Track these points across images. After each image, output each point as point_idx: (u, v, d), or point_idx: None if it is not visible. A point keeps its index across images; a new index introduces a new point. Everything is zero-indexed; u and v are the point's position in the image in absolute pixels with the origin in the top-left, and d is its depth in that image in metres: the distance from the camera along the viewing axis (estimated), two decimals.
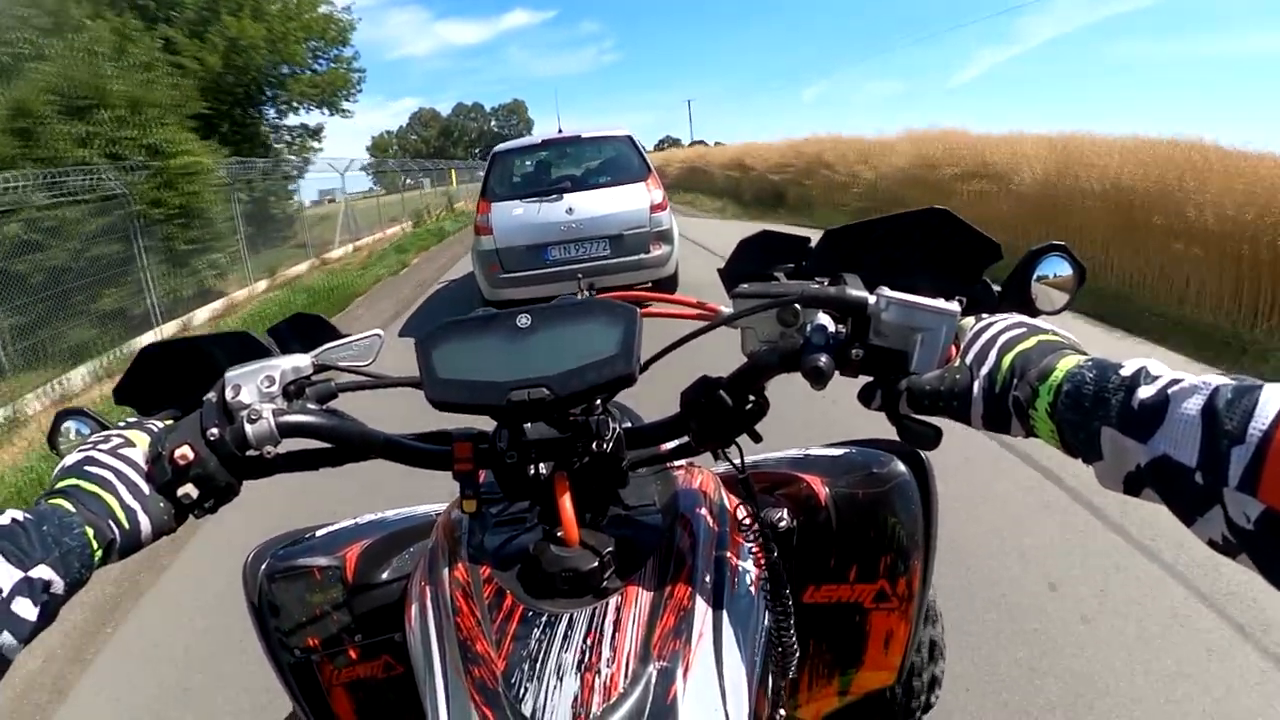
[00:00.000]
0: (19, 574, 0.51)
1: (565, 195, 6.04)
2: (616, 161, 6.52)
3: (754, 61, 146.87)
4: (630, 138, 6.58)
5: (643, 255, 5.96)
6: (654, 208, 6.00)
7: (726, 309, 0.72)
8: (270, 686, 0.85)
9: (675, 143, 65.23)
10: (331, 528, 0.96)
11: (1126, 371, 0.49)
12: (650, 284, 6.14)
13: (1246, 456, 0.41)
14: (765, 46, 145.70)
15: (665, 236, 6.05)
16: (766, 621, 0.72)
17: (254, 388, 0.67)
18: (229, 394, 0.66)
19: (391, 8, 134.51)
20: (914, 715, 1.11)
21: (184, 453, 0.62)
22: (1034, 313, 0.67)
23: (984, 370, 0.57)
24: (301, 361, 0.71)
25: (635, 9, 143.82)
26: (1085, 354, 0.55)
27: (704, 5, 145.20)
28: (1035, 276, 0.67)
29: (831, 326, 0.62)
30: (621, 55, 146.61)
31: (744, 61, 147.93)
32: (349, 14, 16.95)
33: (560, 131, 6.86)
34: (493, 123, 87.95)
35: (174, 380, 0.76)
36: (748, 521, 0.73)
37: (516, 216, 5.98)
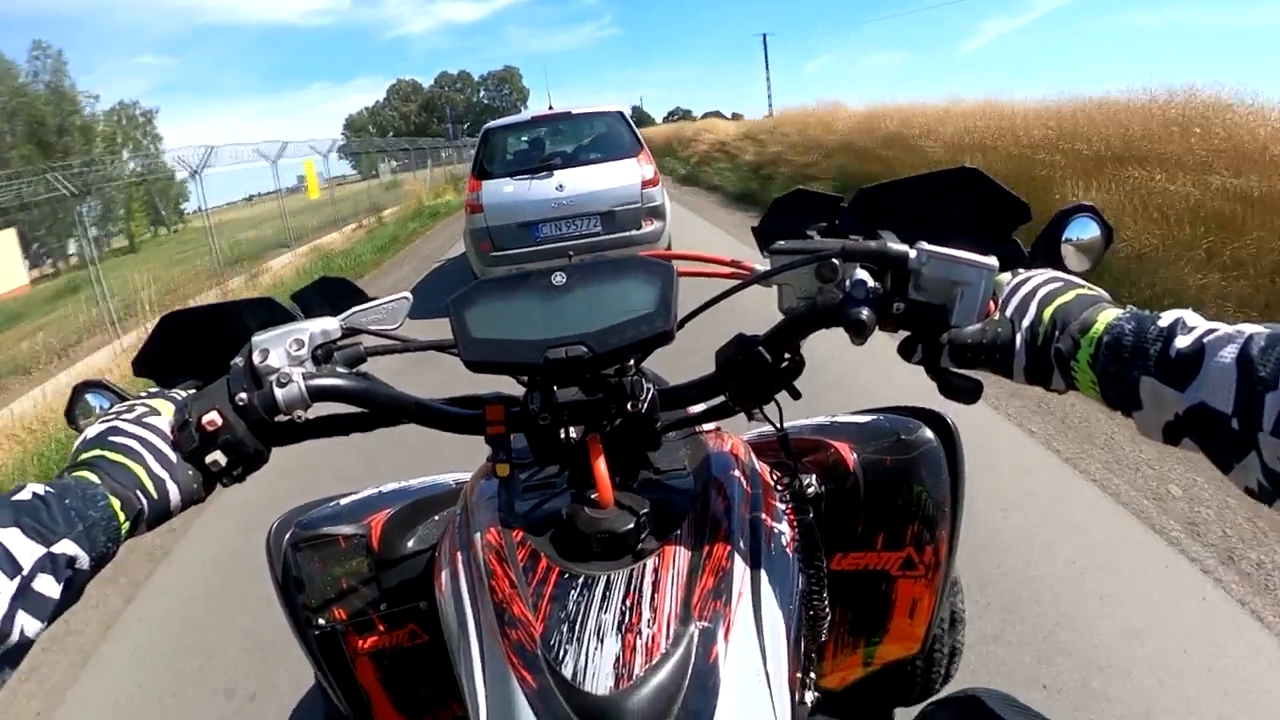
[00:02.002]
0: (41, 550, 0.49)
1: (556, 172, 5.99)
2: (608, 137, 6.47)
3: (753, 34, 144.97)
4: (621, 113, 6.53)
5: (634, 231, 5.93)
6: (645, 183, 5.95)
7: (760, 266, 0.71)
8: None
9: (686, 114, 62.91)
10: (355, 496, 0.95)
11: (1164, 322, 0.50)
12: None
13: None
14: (764, 19, 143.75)
15: (657, 212, 6.02)
16: (801, 583, 0.72)
17: (282, 351, 0.66)
18: (256, 358, 0.65)
19: None
20: (934, 686, 1.12)
21: (212, 418, 0.61)
22: (1063, 272, 0.67)
23: (1025, 323, 0.57)
24: (330, 324, 0.70)
25: None
26: (1122, 307, 0.55)
27: None
28: (1064, 237, 0.67)
29: (871, 281, 0.62)
30: (620, 30, 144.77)
31: (743, 34, 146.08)
32: None
33: (551, 108, 6.79)
34: (481, 94, 80.00)
35: (195, 349, 0.74)
36: (780, 484, 0.73)
37: (507, 194, 5.93)
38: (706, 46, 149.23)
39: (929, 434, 0.91)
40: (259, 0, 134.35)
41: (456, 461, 1.05)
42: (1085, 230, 0.67)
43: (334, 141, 16.50)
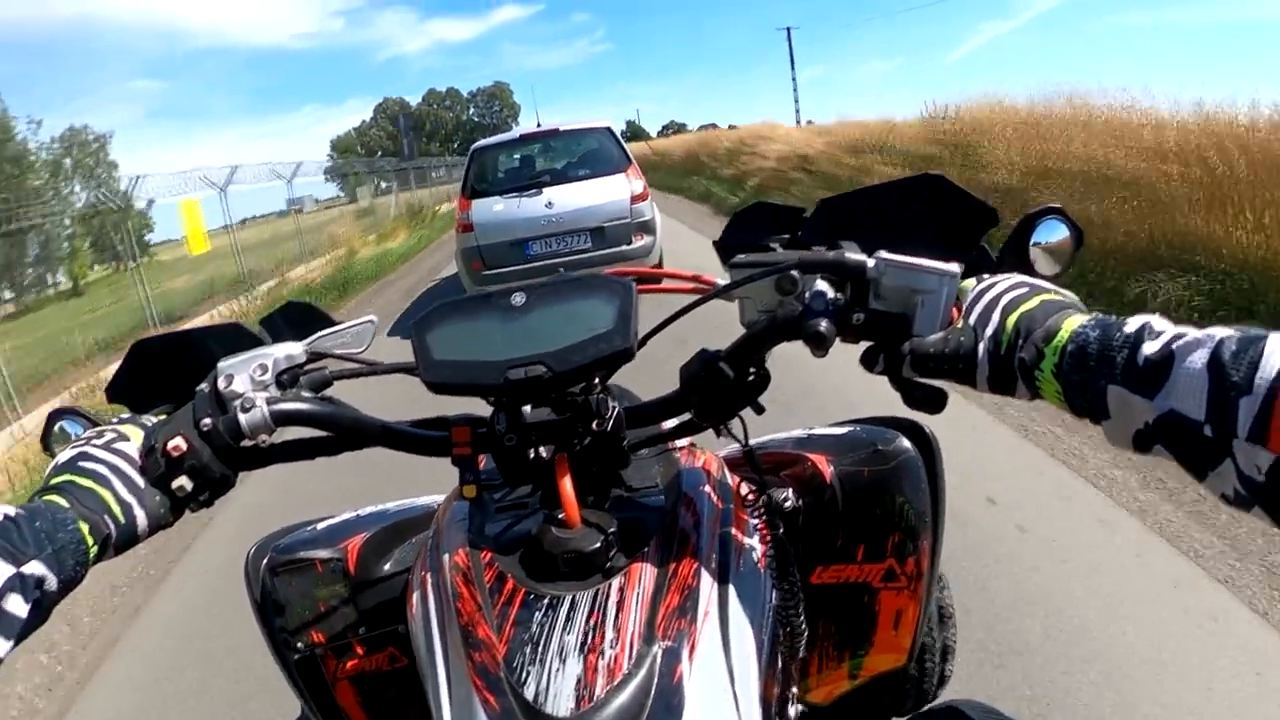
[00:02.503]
0: (11, 569, 0.50)
1: (545, 189, 6.02)
2: (596, 154, 6.50)
3: (747, 46, 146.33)
4: (609, 129, 6.57)
5: (624, 247, 5.94)
6: (634, 198, 5.98)
7: (721, 280, 0.71)
8: None
9: (681, 128, 62.26)
10: (333, 520, 0.95)
11: (1130, 328, 0.49)
12: None
13: (1255, 407, 0.41)
14: (758, 30, 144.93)
15: (647, 227, 6.04)
16: (774, 600, 0.71)
17: (246, 377, 0.66)
18: (221, 384, 0.65)
19: (381, 8, 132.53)
20: (928, 693, 1.10)
21: (177, 444, 0.61)
22: (1032, 277, 0.67)
23: (988, 331, 0.56)
24: (294, 349, 0.70)
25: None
26: (1088, 313, 0.54)
27: None
28: (1032, 241, 0.67)
29: (831, 292, 0.61)
30: (613, 45, 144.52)
31: (737, 45, 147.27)
32: None
33: (539, 125, 6.83)
34: (471, 110, 75.79)
35: (166, 376, 0.75)
36: (752, 498, 0.73)
37: (497, 213, 5.96)
38: (699, 60, 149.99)
39: (906, 444, 0.90)
40: (249, 23, 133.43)
41: (445, 474, 1.05)
42: (1054, 233, 0.67)
43: (298, 165, 14.47)
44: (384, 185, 24.21)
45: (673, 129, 64.25)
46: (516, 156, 6.93)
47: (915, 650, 0.95)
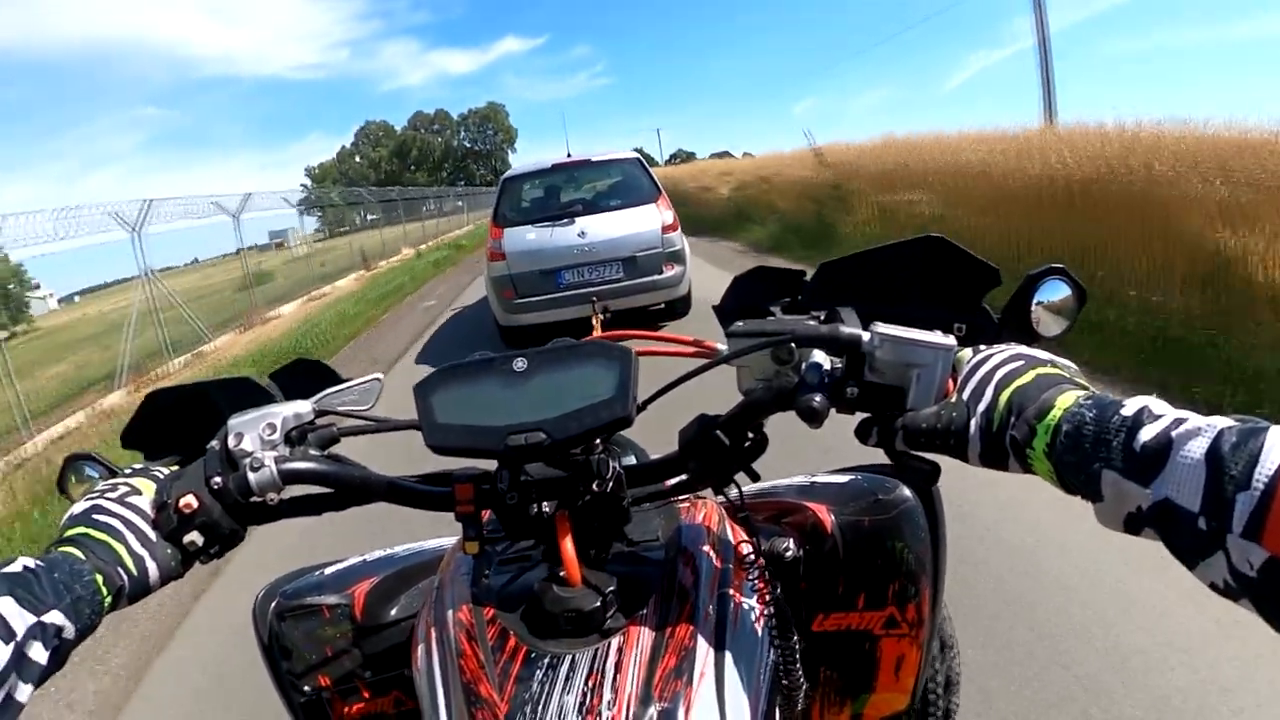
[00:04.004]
0: (33, 619, 0.52)
1: (577, 219, 6.09)
2: (626, 183, 6.58)
3: (745, 76, 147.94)
4: (639, 159, 6.65)
5: (656, 276, 5.99)
6: (665, 228, 6.03)
7: (723, 346, 0.72)
8: None
9: (690, 156, 60.04)
10: (340, 565, 0.96)
11: (1128, 411, 0.48)
12: (663, 305, 6.16)
13: (1252, 503, 0.40)
14: (756, 61, 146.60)
15: (677, 257, 6.08)
16: (771, 657, 0.71)
17: (256, 435, 0.68)
18: (231, 442, 0.67)
19: (384, 40, 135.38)
20: None
21: (189, 501, 0.63)
22: (1035, 338, 0.66)
23: (980, 407, 0.56)
24: (302, 408, 0.72)
25: (622, 31, 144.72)
26: (1085, 388, 0.54)
27: (688, 27, 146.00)
28: (1035, 301, 0.67)
29: (827, 364, 0.62)
30: (614, 79, 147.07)
31: (735, 77, 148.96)
32: None
33: (569, 155, 6.93)
34: (462, 134, 68.66)
35: (179, 424, 0.77)
36: (751, 556, 0.73)
37: (529, 241, 6.03)
38: (701, 91, 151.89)
39: (907, 493, 0.90)
40: (253, 54, 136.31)
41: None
42: (1056, 292, 0.67)
43: (246, 197, 12.24)
44: (371, 218, 22.30)
45: (681, 157, 60.85)
46: (547, 186, 7.03)
47: (918, 693, 0.95)
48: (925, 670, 0.94)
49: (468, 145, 68.49)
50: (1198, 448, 0.43)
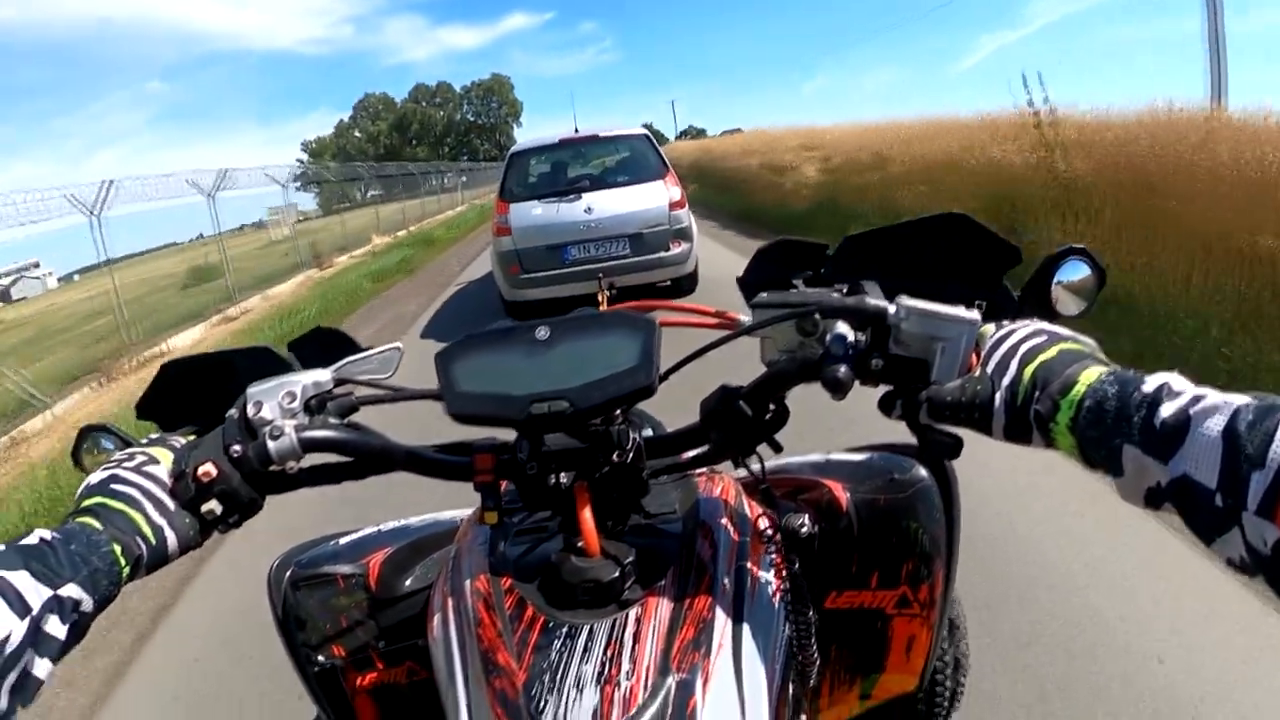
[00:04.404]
0: (49, 592, 0.51)
1: (584, 194, 6.04)
2: (634, 160, 6.53)
3: (755, 55, 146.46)
4: (647, 136, 6.59)
5: (663, 253, 5.96)
6: (673, 205, 5.99)
7: (745, 317, 0.72)
8: None
9: (701, 133, 58.13)
10: (355, 535, 0.97)
11: (1148, 387, 0.48)
12: (670, 282, 6.14)
13: (1266, 481, 0.41)
14: (766, 39, 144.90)
15: (684, 234, 6.04)
16: (787, 631, 0.72)
17: (275, 404, 0.68)
18: (250, 410, 0.67)
19: (390, 15, 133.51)
20: (940, 715, 1.10)
21: (207, 470, 0.63)
22: (1054, 316, 0.66)
23: (1005, 381, 0.56)
24: (322, 376, 0.72)
25: (629, 7, 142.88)
26: (1107, 364, 0.54)
27: (695, 4, 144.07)
28: (1055, 280, 0.67)
29: (851, 336, 0.62)
30: (621, 55, 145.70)
31: (744, 55, 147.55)
32: None
33: (577, 131, 6.87)
34: (465, 108, 65.61)
35: (195, 395, 0.77)
36: (769, 531, 0.73)
37: (535, 217, 6.00)
38: (708, 67, 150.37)
39: (923, 472, 0.90)
40: (258, 29, 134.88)
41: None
42: (1076, 272, 0.67)
43: (223, 173, 11.10)
44: (372, 194, 21.13)
45: (691, 134, 58.50)
46: (554, 161, 6.98)
47: (927, 675, 0.96)
48: (935, 652, 0.94)
49: (471, 119, 66.06)
50: (1215, 425, 0.44)
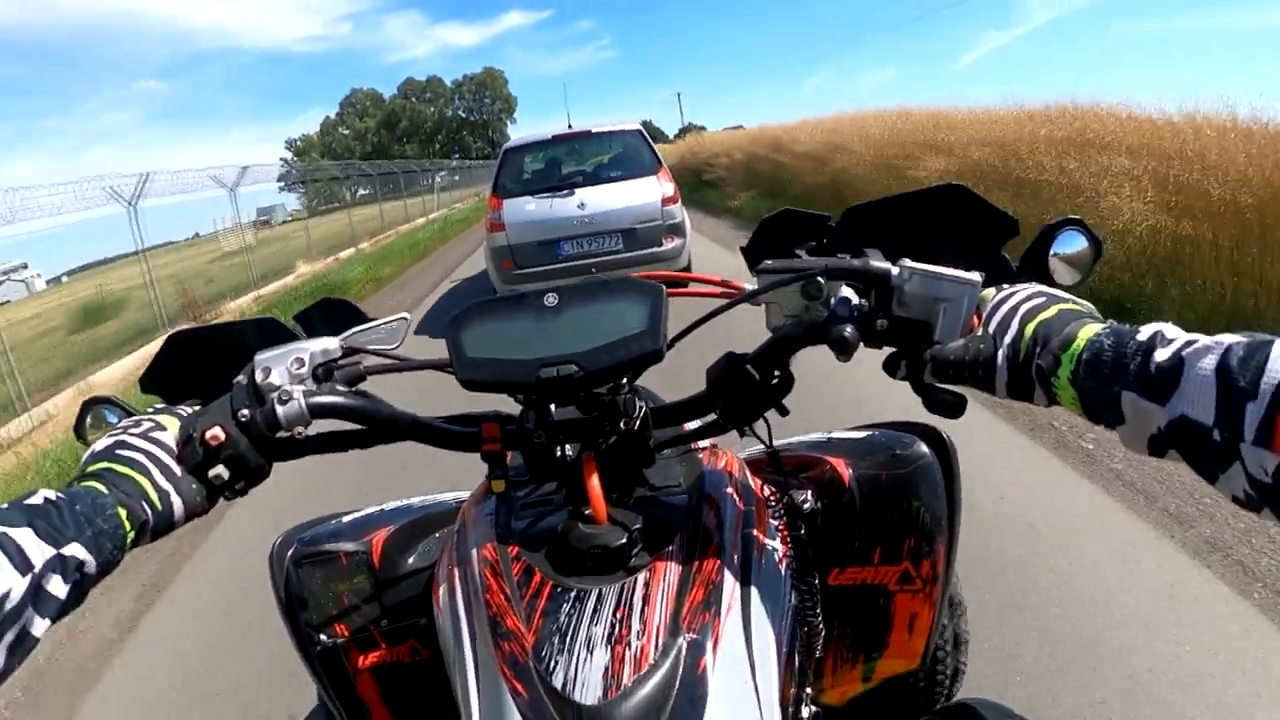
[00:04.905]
0: (52, 551, 0.51)
1: (577, 190, 6.04)
2: (627, 155, 6.52)
3: (754, 53, 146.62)
4: (640, 131, 6.59)
5: (655, 249, 5.96)
6: (665, 200, 5.99)
7: (750, 286, 0.72)
8: None
9: (701, 130, 60.85)
10: (358, 514, 0.97)
11: (1142, 336, 0.50)
12: None
13: (1261, 411, 0.42)
14: (765, 37, 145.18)
15: (677, 229, 6.05)
16: (793, 600, 0.72)
17: (284, 370, 0.68)
18: (259, 376, 0.67)
19: (387, 12, 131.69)
20: (942, 694, 1.11)
21: (215, 434, 0.62)
22: (1051, 286, 0.67)
23: (1007, 339, 0.57)
24: (330, 344, 0.72)
25: (626, 5, 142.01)
26: (1104, 321, 0.55)
27: (693, 2, 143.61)
28: (1052, 252, 0.68)
29: (855, 299, 0.63)
30: (618, 53, 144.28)
31: (743, 53, 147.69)
32: None
33: (570, 127, 6.87)
34: (456, 103, 62.80)
35: (200, 368, 0.77)
36: (773, 500, 0.73)
37: (529, 212, 5.99)
38: (706, 65, 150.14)
39: (924, 449, 0.91)
40: (254, 26, 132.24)
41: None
42: (1073, 244, 0.68)
43: (143, 176, 9.04)
44: (362, 193, 19.62)
45: (693, 131, 61.04)
46: (548, 157, 6.96)
47: (929, 655, 0.96)
48: (936, 629, 0.95)
49: (463, 115, 63.73)
50: (1208, 364, 0.45)
